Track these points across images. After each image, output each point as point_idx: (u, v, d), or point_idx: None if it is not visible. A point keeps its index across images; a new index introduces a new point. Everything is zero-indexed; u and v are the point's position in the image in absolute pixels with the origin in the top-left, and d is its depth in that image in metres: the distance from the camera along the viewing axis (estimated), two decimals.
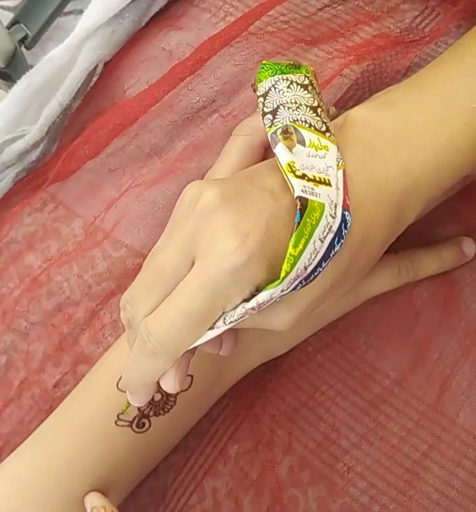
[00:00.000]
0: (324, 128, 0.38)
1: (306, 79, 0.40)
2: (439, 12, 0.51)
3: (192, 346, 0.36)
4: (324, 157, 0.37)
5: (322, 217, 0.34)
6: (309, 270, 0.34)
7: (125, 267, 0.49)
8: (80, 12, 0.55)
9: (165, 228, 0.38)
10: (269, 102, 0.39)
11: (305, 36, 0.51)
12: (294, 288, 0.34)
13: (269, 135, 0.38)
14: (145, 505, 0.47)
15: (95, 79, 0.54)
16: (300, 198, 0.34)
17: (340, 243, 0.35)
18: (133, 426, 0.43)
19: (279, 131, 0.37)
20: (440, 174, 0.39)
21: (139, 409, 0.43)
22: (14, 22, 0.58)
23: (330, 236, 0.35)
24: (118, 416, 0.43)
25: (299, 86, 0.39)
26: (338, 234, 0.35)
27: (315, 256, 0.34)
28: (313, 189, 0.35)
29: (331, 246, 0.35)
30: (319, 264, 0.35)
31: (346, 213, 0.35)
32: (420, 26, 0.51)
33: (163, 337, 0.35)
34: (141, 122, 0.52)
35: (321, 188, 0.35)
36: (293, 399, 0.47)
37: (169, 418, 0.44)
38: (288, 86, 0.39)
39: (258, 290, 0.34)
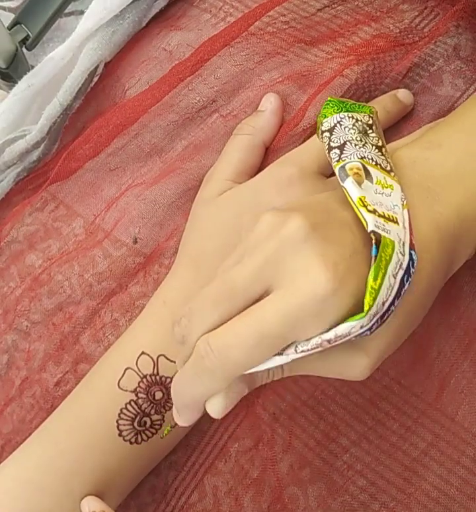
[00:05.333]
0: (389, 168, 0.39)
1: (370, 118, 0.41)
2: (438, 12, 0.51)
3: (254, 369, 0.35)
4: (390, 195, 0.37)
5: (394, 253, 0.35)
6: (386, 306, 0.34)
7: (125, 266, 0.49)
8: (82, 13, 0.55)
9: (235, 249, 0.37)
10: (335, 137, 0.39)
11: (305, 36, 0.51)
12: (371, 328, 0.34)
13: (336, 169, 0.38)
14: (146, 503, 0.47)
15: (96, 79, 0.54)
16: (374, 232, 0.35)
17: (408, 282, 0.35)
18: (135, 424, 0.43)
19: (348, 166, 0.38)
20: None
21: (140, 407, 0.43)
22: (15, 23, 0.57)
23: (401, 273, 0.35)
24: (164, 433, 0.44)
25: (364, 125, 0.40)
26: (407, 272, 0.35)
27: (391, 292, 0.34)
28: (384, 225, 0.35)
29: (402, 284, 0.35)
30: (393, 303, 0.35)
31: (413, 252, 0.36)
32: (420, 26, 0.51)
33: (226, 351, 0.34)
34: (142, 122, 0.52)
35: (390, 226, 0.35)
36: (293, 398, 0.47)
37: (170, 416, 0.44)
38: (353, 125, 0.40)
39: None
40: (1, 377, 0.49)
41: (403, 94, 0.49)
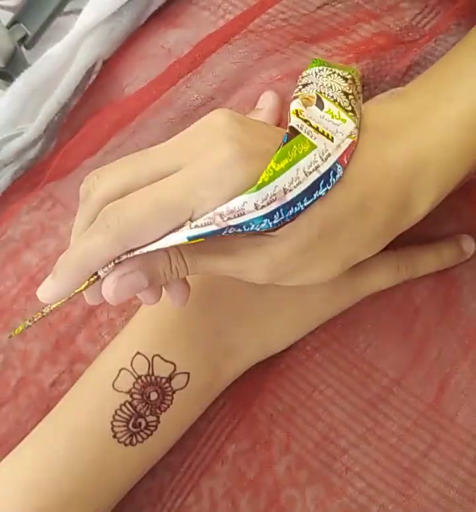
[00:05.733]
0: (349, 109, 0.39)
1: (349, 75, 0.41)
2: (439, 11, 0.51)
3: (151, 247, 0.34)
4: (339, 125, 0.37)
5: (310, 153, 0.35)
6: (289, 197, 0.34)
7: None
8: (80, 11, 0.55)
9: None
10: (305, 79, 0.40)
11: (305, 33, 0.51)
12: (271, 215, 0.34)
13: (292, 97, 0.38)
14: (141, 505, 0.46)
15: (94, 76, 0.54)
16: (291, 127, 0.35)
17: (325, 189, 0.35)
18: (129, 425, 0.43)
19: (301, 94, 0.38)
20: (451, 159, 0.39)
21: (134, 408, 0.43)
22: (13, 22, 0.58)
23: (316, 175, 0.35)
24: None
25: (339, 77, 0.40)
26: (325, 178, 0.35)
27: (297, 185, 0.34)
28: (310, 132, 0.35)
29: (315, 186, 0.35)
30: (301, 199, 0.34)
31: (338, 166, 0.35)
32: (420, 25, 0.51)
33: (124, 208, 0.34)
34: (139, 120, 0.52)
35: (320, 137, 0.36)
36: (290, 399, 0.46)
37: (165, 417, 0.44)
38: (329, 75, 0.40)
39: None
40: None
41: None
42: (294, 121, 0.35)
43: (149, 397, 0.43)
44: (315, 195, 0.35)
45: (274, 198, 0.34)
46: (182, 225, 0.34)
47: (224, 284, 0.44)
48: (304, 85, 0.39)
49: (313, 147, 0.35)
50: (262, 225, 0.34)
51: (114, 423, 0.43)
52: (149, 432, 0.43)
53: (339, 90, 0.39)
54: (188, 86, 0.51)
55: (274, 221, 0.34)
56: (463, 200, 0.47)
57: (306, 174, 0.34)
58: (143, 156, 0.36)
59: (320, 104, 0.38)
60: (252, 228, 0.34)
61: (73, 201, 0.52)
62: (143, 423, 0.43)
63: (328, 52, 0.50)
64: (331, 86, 0.39)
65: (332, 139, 0.36)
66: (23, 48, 0.58)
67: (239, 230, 0.34)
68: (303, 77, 0.41)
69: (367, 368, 0.46)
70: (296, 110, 0.36)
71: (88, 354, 0.48)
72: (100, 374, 0.44)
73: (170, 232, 0.34)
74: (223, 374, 0.45)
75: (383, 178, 0.37)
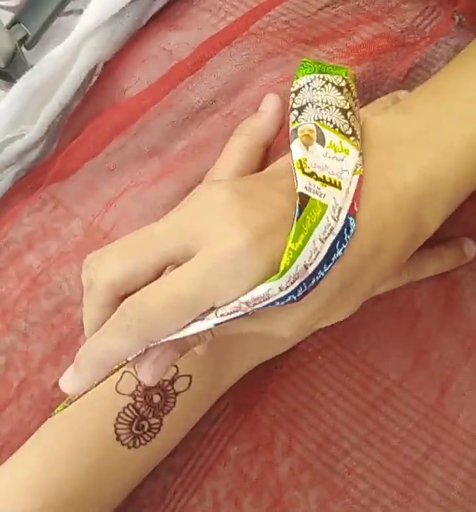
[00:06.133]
0: (349, 132, 0.37)
1: (343, 81, 0.39)
2: (439, 12, 0.51)
3: (178, 335, 0.34)
4: (343, 160, 0.36)
5: (323, 217, 0.34)
6: (310, 270, 0.33)
7: None
8: (81, 12, 0.55)
9: None
10: (299, 98, 0.39)
11: (306, 36, 0.51)
12: (295, 291, 0.33)
13: (290, 130, 0.37)
14: (144, 506, 0.47)
15: (95, 78, 0.54)
16: (301, 194, 0.34)
17: (342, 248, 0.34)
18: (133, 428, 0.43)
19: (300, 128, 0.37)
20: (460, 178, 0.39)
21: (138, 411, 0.43)
22: (14, 22, 0.57)
23: (332, 238, 0.34)
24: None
25: (333, 87, 0.39)
26: (340, 238, 0.34)
27: (316, 256, 0.33)
28: (319, 189, 0.34)
29: (333, 249, 0.34)
30: (321, 267, 0.34)
31: (351, 219, 0.35)
32: (421, 26, 0.51)
33: (144, 309, 0.33)
34: (141, 122, 0.51)
35: (328, 189, 0.35)
36: (293, 401, 0.47)
37: (168, 419, 0.44)
38: (322, 86, 0.39)
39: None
40: None
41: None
42: (301, 183, 0.34)
43: (151, 399, 0.43)
44: (333, 258, 0.34)
45: (296, 276, 0.33)
46: (204, 314, 0.34)
47: None
48: (299, 110, 0.38)
49: (324, 208, 0.34)
50: (287, 300, 0.34)
51: (117, 426, 0.43)
52: (152, 434, 0.44)
53: (336, 107, 0.38)
54: (190, 89, 0.51)
55: (298, 295, 0.34)
56: (464, 203, 0.48)
57: (322, 241, 0.34)
58: (146, 239, 0.35)
59: (321, 139, 0.36)
60: (276, 305, 0.34)
61: (75, 203, 0.52)
62: (146, 425, 0.43)
63: (330, 54, 0.50)
64: (327, 103, 0.38)
65: (339, 186, 0.35)
66: (23, 48, 0.58)
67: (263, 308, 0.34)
68: (296, 94, 0.39)
69: (368, 371, 0.46)
70: (300, 162, 0.35)
71: None
72: None
73: (193, 321, 0.34)
74: (225, 376, 0.45)
75: (394, 213, 0.37)
